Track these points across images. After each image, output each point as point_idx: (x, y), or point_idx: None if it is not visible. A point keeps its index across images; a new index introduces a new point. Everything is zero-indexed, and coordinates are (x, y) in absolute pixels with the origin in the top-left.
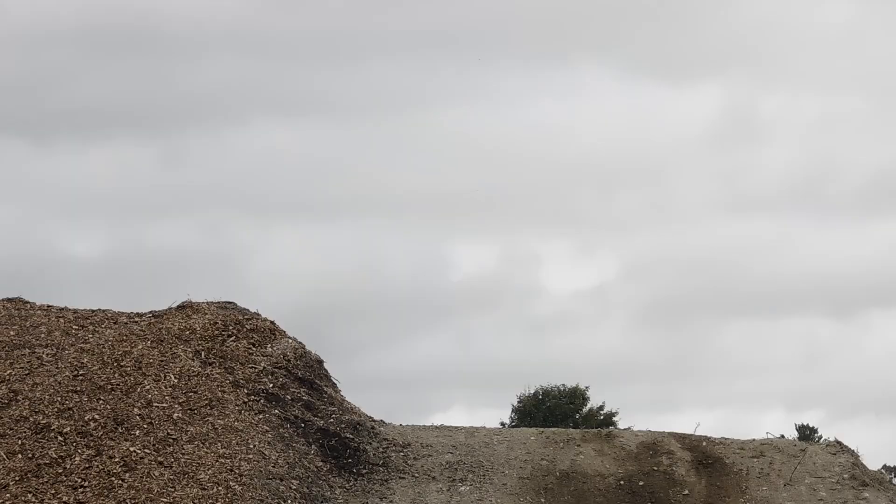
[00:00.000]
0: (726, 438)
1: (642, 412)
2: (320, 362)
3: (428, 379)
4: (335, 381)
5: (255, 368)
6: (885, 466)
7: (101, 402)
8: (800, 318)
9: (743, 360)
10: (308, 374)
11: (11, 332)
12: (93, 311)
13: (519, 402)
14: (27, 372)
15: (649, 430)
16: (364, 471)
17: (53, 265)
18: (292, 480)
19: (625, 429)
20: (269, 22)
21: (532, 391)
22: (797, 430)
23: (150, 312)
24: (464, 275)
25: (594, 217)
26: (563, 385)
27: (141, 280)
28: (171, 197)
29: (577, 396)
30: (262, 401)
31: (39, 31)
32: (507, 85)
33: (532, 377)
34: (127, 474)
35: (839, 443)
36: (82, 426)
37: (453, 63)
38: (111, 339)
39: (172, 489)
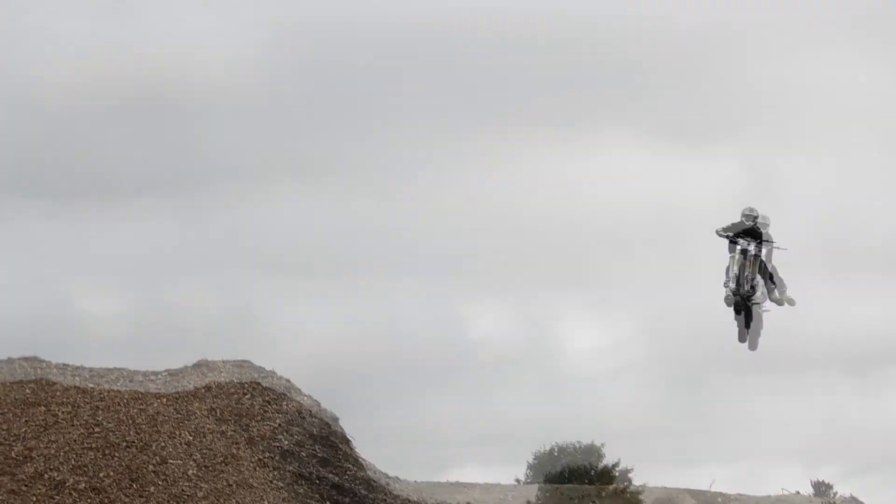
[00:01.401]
0: (742, 495)
1: (658, 467)
2: (335, 419)
3: (443, 436)
4: (350, 438)
5: (271, 425)
6: None
7: (115, 458)
8: (817, 376)
9: (759, 417)
10: (323, 430)
11: (27, 391)
12: (108, 369)
13: (534, 458)
14: (42, 429)
15: (664, 487)
16: None
17: (71, 325)
18: None
19: (640, 485)
20: (291, 87)
21: (547, 448)
22: (813, 486)
23: (166, 370)
24: (481, 333)
25: (611, 276)
26: (579, 442)
27: (158, 339)
28: (189, 257)
29: (592, 453)
30: (276, 457)
31: (63, 95)
32: (526, 146)
33: (548, 435)
34: None
35: (855, 499)
36: (97, 483)
37: (471, 125)
38: (126, 396)
39: None
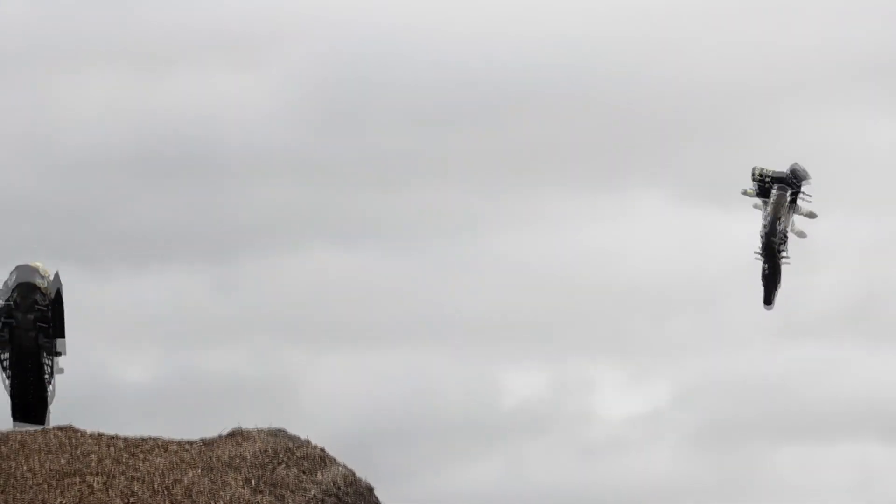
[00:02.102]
0: None
1: None
2: (371, 489)
3: (479, 503)
4: None
5: (306, 496)
6: None
7: None
8: (852, 444)
9: (794, 485)
10: (358, 501)
11: (62, 461)
12: (143, 438)
13: None
14: (77, 500)
15: None
16: None
17: (105, 391)
18: None
19: None
20: (321, 147)
21: None
22: None
23: (201, 440)
24: (515, 400)
25: (645, 342)
26: None
27: (192, 406)
28: (223, 323)
29: None
30: None
31: (95, 159)
32: (557, 209)
33: (583, 503)
34: None
35: None
36: None
37: (503, 187)
38: (162, 467)
39: None
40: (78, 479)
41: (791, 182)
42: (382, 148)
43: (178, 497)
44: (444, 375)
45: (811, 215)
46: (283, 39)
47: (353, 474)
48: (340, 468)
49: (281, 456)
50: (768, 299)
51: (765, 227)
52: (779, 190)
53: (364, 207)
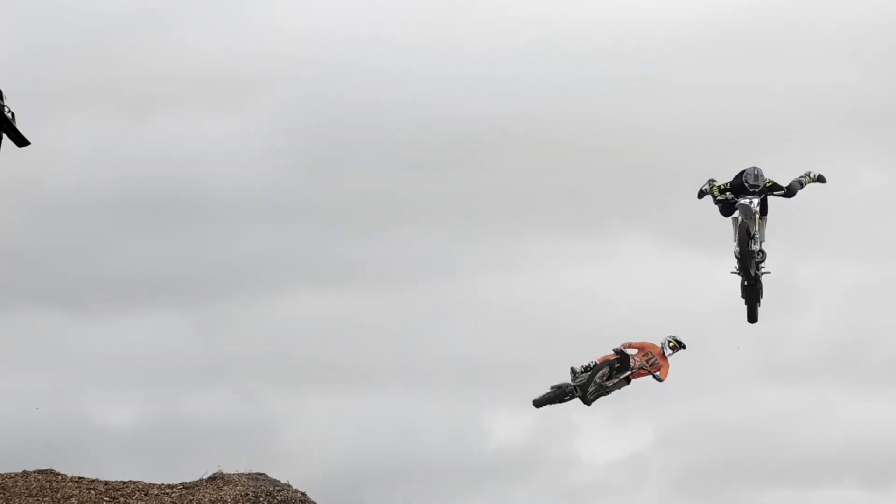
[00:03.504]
0: None
1: None
2: None
3: None
4: None
5: None
6: None
7: None
8: (836, 488)
9: None
10: None
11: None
12: (124, 482)
13: None
14: None
15: None
16: None
17: (87, 435)
18: None
19: None
20: (307, 191)
21: None
22: None
23: (181, 484)
24: (499, 443)
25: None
26: None
27: (174, 449)
28: (205, 365)
29: None
30: None
31: (79, 201)
32: (538, 251)
33: None
34: None
35: None
36: None
37: (485, 230)
38: None
39: None
40: None
41: (750, 185)
42: (365, 192)
43: None
44: (428, 418)
45: (821, 179)
46: (268, 83)
47: None
48: None
49: (262, 500)
50: (752, 316)
51: (737, 242)
52: (741, 202)
53: (347, 251)
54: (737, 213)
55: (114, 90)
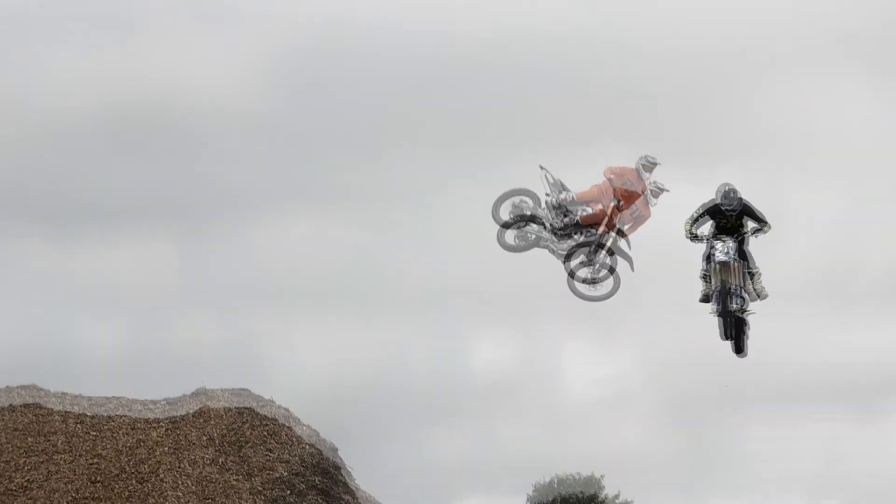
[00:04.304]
0: None
1: (659, 500)
2: (334, 450)
3: (444, 467)
4: (350, 469)
5: (272, 475)
6: None
7: (115, 491)
8: (818, 408)
9: (760, 450)
10: (325, 481)
11: (29, 440)
12: (107, 398)
13: (534, 490)
14: (45, 478)
15: None
16: None
17: (71, 355)
18: None
19: None
20: (295, 113)
21: (547, 479)
22: None
23: (165, 399)
24: (483, 364)
25: (615, 312)
26: (579, 473)
27: (158, 370)
28: (190, 285)
29: (592, 485)
30: (275, 490)
31: (64, 123)
32: (529, 174)
33: (548, 466)
34: None
35: None
36: None
37: (476, 154)
38: (129, 445)
39: None
40: (45, 458)
41: (725, 207)
42: (353, 113)
43: (145, 476)
44: (414, 344)
45: (762, 295)
46: (254, 4)
47: (318, 434)
48: (304, 428)
49: (245, 415)
50: (739, 348)
51: (716, 305)
52: (719, 257)
53: (333, 173)
54: (714, 255)
55: (99, 13)
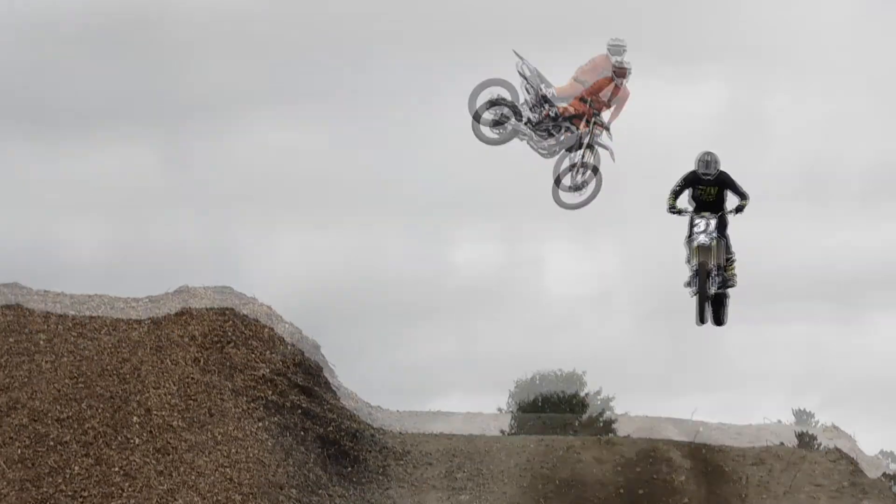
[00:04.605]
0: (723, 424)
1: (640, 397)
2: (317, 347)
3: (426, 366)
4: (332, 367)
5: (254, 375)
6: (884, 475)
7: (100, 410)
8: (799, 305)
9: (742, 347)
10: (307, 381)
11: (11, 340)
12: (89, 296)
13: (516, 387)
14: (27, 379)
15: (646, 416)
16: (364, 480)
17: (52, 252)
18: (292, 490)
19: (621, 414)
20: (275, 17)
21: (529, 377)
22: (794, 414)
23: (147, 298)
24: (464, 264)
25: (597, 214)
26: (560, 370)
27: (140, 271)
28: (172, 187)
29: (573, 381)
30: (261, 409)
31: (43, 26)
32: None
33: (530, 363)
34: (126, 483)
35: (836, 428)
36: (81, 435)
37: (458, 58)
38: (110, 346)
39: (172, 499)
40: (27, 359)
41: (703, 174)
42: (336, 15)
43: (127, 376)
44: (396, 249)
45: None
46: None
47: (300, 332)
48: (287, 326)
49: (227, 313)
50: (718, 321)
51: (695, 287)
52: (700, 238)
53: (315, 77)
54: (694, 234)
55: None
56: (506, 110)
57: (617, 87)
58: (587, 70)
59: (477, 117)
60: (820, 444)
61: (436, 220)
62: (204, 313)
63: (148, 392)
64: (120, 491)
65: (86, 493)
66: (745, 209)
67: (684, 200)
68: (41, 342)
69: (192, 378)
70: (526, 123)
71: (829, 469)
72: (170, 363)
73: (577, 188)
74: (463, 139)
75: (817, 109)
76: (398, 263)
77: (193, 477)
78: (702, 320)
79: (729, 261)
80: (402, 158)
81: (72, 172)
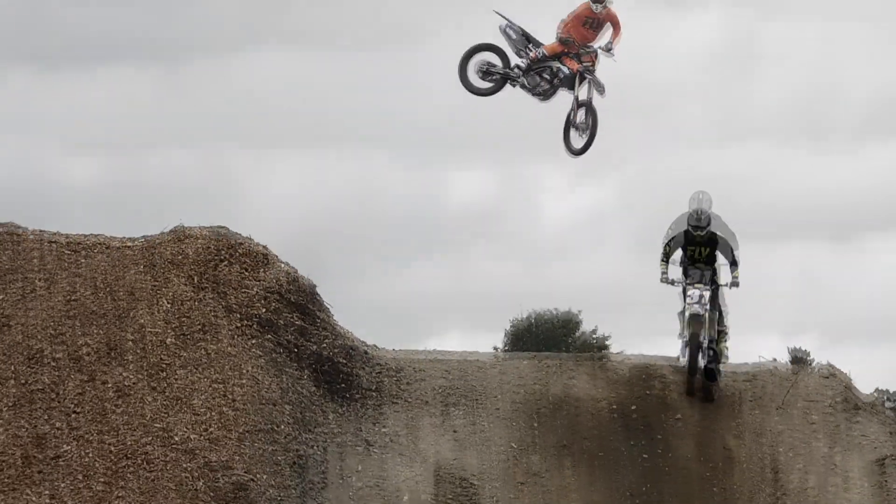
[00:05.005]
0: None
1: (635, 337)
2: (313, 287)
3: (423, 304)
4: (328, 307)
5: (248, 293)
6: (877, 390)
7: (93, 328)
8: (797, 244)
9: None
10: (301, 298)
11: (4, 258)
12: (85, 235)
13: (511, 326)
14: (20, 298)
15: (642, 354)
16: (357, 396)
17: (49, 192)
18: (285, 406)
19: (617, 352)
20: None
21: (525, 315)
22: (790, 353)
23: (143, 237)
24: (460, 201)
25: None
26: (556, 309)
27: (136, 208)
28: (168, 126)
29: (569, 321)
30: (254, 326)
31: None
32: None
33: (526, 302)
34: (120, 400)
35: (832, 367)
36: (75, 352)
37: None
38: (103, 265)
39: (165, 415)
40: (20, 277)
41: (693, 228)
42: None
43: (120, 295)
44: (390, 178)
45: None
46: None
47: (296, 272)
48: (283, 266)
49: (223, 254)
50: (708, 396)
51: (684, 347)
52: (693, 309)
53: (311, 10)
54: (687, 304)
55: None
56: (500, 79)
57: (597, 15)
58: (571, 25)
59: (470, 90)
60: (813, 361)
61: (431, 153)
62: (197, 232)
63: (141, 310)
64: (114, 407)
65: (79, 410)
66: (739, 280)
67: (676, 255)
68: (34, 261)
69: (186, 296)
70: (522, 86)
71: (822, 386)
72: (163, 281)
73: (582, 129)
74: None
75: (813, 38)
76: (393, 198)
77: (187, 393)
78: (689, 392)
79: (721, 333)
80: (399, 94)
81: (67, 108)
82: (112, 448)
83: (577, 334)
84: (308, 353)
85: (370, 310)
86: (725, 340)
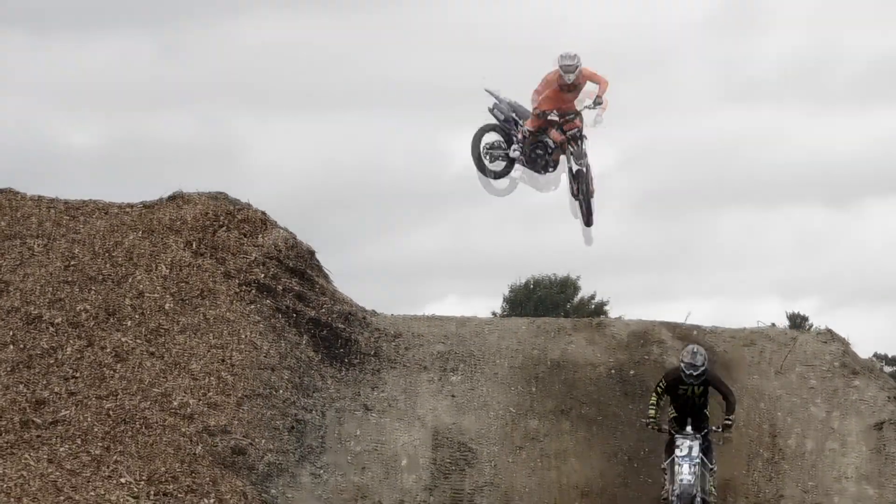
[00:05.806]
0: (717, 327)
1: (634, 302)
2: (312, 253)
3: (422, 270)
4: (327, 272)
5: (247, 259)
6: (875, 354)
7: (92, 292)
8: (795, 207)
9: (737, 250)
10: (299, 264)
11: (2, 223)
12: (84, 201)
13: (510, 291)
14: (18, 262)
15: (640, 320)
16: (355, 361)
17: (48, 156)
18: (284, 371)
19: (616, 317)
20: None
21: (523, 281)
22: (788, 318)
23: (142, 203)
24: (459, 167)
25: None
26: (554, 275)
27: (134, 171)
28: (167, 88)
29: (567, 286)
30: (253, 291)
31: None
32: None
33: (525, 268)
34: (118, 365)
35: (830, 331)
36: (74, 317)
37: None
38: (102, 229)
39: (164, 379)
40: (18, 242)
41: (686, 376)
42: None
43: (119, 260)
44: (390, 141)
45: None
46: None
47: (294, 237)
48: (281, 231)
49: (222, 219)
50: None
51: (673, 496)
52: (682, 467)
53: None
54: (676, 460)
55: None
56: (502, 154)
57: (571, 84)
58: (547, 95)
59: (483, 169)
60: (812, 325)
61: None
62: (196, 198)
63: (140, 275)
64: (112, 372)
65: (77, 375)
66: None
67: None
68: (33, 226)
69: (184, 261)
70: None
71: (820, 350)
72: (162, 247)
73: (580, 201)
74: (458, 37)
75: (815, 1)
76: (393, 162)
77: (185, 358)
78: None
79: (710, 471)
80: (396, 53)
81: (67, 73)
82: (110, 412)
83: (576, 299)
84: (307, 318)
85: (369, 275)
86: (713, 480)
